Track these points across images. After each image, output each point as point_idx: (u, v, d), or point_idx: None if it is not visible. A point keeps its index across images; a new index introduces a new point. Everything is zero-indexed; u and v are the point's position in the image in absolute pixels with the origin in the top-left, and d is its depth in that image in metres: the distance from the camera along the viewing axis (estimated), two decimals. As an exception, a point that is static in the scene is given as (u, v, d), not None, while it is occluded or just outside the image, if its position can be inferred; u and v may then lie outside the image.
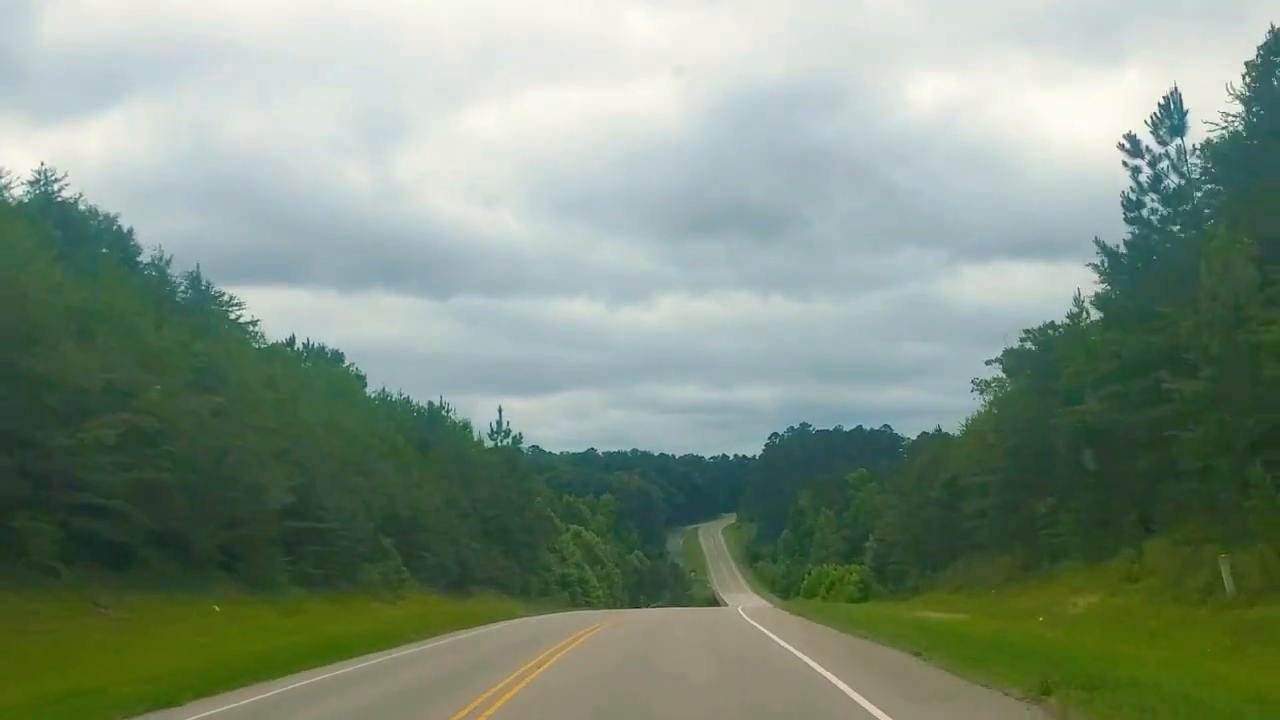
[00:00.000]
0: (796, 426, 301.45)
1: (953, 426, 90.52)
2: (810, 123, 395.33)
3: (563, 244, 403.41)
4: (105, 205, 54.89)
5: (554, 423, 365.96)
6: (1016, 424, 46.50)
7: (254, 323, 62.01)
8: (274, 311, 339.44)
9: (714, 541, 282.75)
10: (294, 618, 37.78)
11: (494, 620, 47.39)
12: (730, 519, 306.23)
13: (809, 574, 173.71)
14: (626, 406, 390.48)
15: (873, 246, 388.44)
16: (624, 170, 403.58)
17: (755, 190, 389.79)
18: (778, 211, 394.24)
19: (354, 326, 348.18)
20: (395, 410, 78.69)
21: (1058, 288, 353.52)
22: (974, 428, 63.04)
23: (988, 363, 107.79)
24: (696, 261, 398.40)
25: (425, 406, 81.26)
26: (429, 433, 77.33)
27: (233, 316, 58.44)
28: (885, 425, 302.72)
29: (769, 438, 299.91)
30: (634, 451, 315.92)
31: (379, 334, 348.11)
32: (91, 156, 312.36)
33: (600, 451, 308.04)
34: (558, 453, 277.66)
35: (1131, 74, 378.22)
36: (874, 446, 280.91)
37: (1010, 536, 47.53)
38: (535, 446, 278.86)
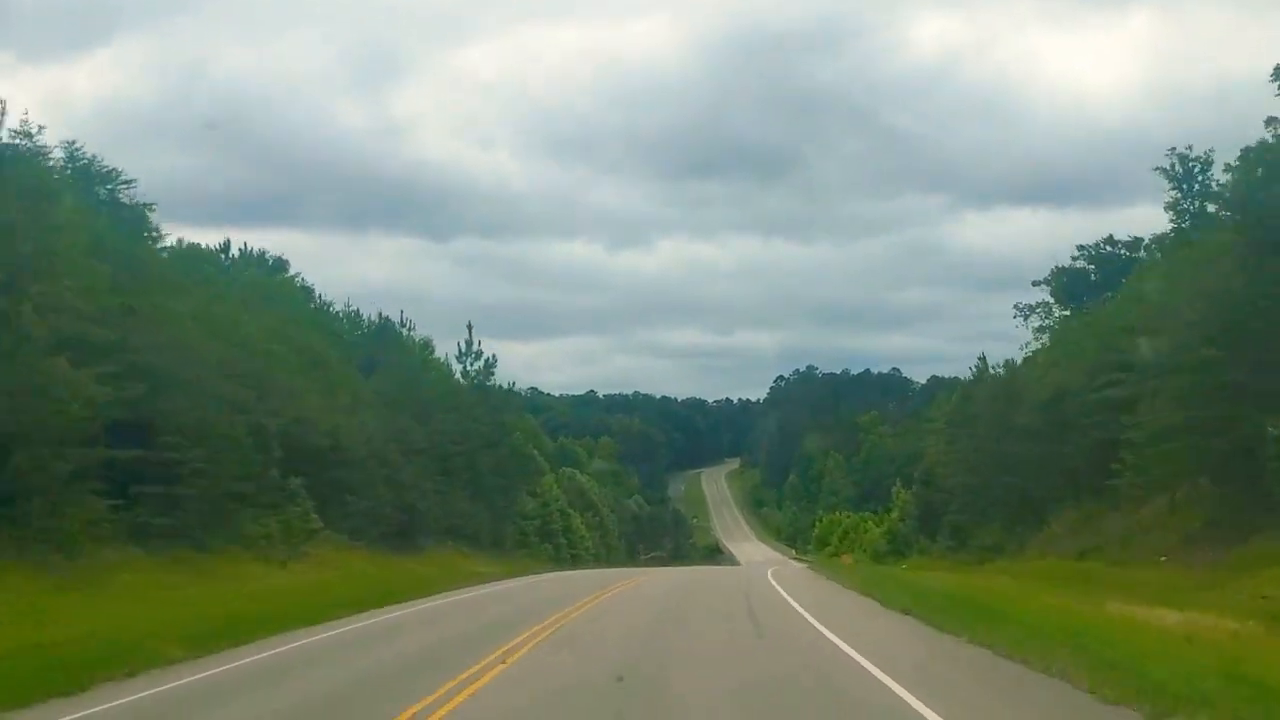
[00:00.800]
0: (802, 369, 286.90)
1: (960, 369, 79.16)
2: (811, 64, 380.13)
3: (560, 185, 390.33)
4: (94, 144, 41.43)
5: (557, 367, 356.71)
6: (1219, 293, 29.35)
7: (149, 206, 47.47)
8: (271, 252, 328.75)
9: (717, 487, 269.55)
10: (69, 594, 23.47)
11: (427, 593, 33.00)
12: (734, 464, 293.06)
13: (819, 521, 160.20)
14: (628, 351, 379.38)
15: (875, 191, 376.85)
16: (622, 110, 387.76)
17: (756, 132, 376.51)
18: (779, 154, 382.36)
19: (350, 266, 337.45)
20: (338, 324, 64.34)
21: (1061, 233, 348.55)
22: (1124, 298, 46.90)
23: (1035, 283, 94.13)
24: (697, 203, 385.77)
25: (375, 320, 66.74)
26: (377, 351, 63.07)
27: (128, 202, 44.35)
28: (894, 368, 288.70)
29: (774, 381, 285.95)
30: (635, 394, 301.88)
31: (376, 275, 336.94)
32: (81, 95, 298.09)
33: (601, 394, 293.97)
34: (557, 395, 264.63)
35: (1138, 17, 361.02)
36: (882, 390, 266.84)
37: (1192, 472, 31.71)
38: (534, 388, 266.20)
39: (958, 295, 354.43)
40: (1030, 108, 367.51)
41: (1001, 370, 63.38)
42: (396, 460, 50.18)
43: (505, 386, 75.88)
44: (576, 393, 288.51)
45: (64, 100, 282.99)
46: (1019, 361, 78.68)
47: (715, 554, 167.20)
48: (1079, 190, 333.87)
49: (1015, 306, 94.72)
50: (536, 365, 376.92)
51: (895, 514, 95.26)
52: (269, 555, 35.79)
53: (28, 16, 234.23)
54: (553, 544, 76.62)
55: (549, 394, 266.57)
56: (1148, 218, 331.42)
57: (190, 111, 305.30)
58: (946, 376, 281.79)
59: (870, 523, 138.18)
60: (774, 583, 39.29)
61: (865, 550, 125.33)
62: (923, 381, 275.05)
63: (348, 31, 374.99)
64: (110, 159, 42.36)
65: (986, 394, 58.94)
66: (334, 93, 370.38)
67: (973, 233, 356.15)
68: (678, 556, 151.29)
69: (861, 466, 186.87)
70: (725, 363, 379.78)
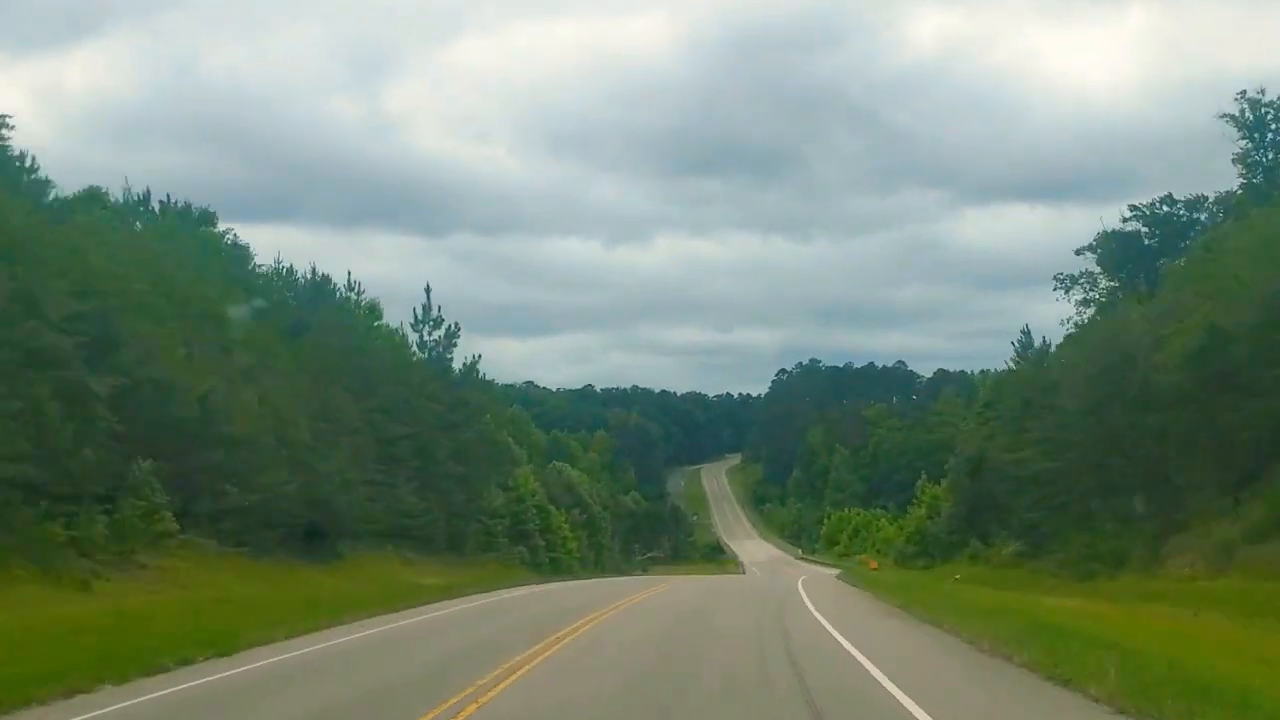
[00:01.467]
0: (805, 363, 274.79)
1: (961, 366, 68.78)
2: (809, 61, 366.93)
3: (557, 182, 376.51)
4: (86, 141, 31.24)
5: (554, 365, 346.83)
6: None
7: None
8: (266, 249, 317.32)
9: (718, 483, 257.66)
10: None
11: (300, 628, 20.99)
12: (735, 460, 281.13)
13: (828, 519, 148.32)
14: (626, 349, 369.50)
15: (873, 188, 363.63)
16: (619, 107, 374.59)
17: (754, 129, 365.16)
18: (777, 151, 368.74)
19: (348, 265, 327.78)
20: (262, 281, 52.46)
21: (1061, 229, 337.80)
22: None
23: (1078, 252, 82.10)
24: (695, 201, 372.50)
25: (309, 278, 54.64)
26: (309, 313, 51.32)
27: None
28: (899, 361, 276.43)
29: (776, 374, 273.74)
30: (634, 388, 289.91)
31: (373, 273, 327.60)
32: (73, 91, 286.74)
33: (598, 388, 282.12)
34: (554, 389, 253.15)
35: (1135, 12, 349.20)
36: (887, 384, 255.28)
37: None
38: (529, 382, 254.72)
39: (957, 292, 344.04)
40: (1029, 104, 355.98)
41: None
42: (304, 441, 38.31)
43: (471, 362, 64.29)
44: (573, 387, 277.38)
45: (53, 95, 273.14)
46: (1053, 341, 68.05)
47: (716, 553, 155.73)
48: (1077, 186, 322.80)
49: (1055, 278, 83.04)
50: (533, 363, 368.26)
51: (922, 511, 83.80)
52: (65, 570, 23.90)
53: (17, 10, 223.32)
54: (528, 546, 64.83)
55: (545, 388, 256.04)
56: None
57: (183, 108, 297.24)
58: (953, 370, 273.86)
59: (883, 520, 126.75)
60: (811, 607, 27.41)
61: (879, 551, 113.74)
62: (929, 375, 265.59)
63: (342, 27, 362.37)
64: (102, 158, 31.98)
65: (1070, 357, 46.81)
66: (328, 89, 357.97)
67: (972, 229, 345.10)
68: (677, 557, 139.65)
69: (870, 461, 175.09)
70: (725, 360, 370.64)
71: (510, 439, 72.08)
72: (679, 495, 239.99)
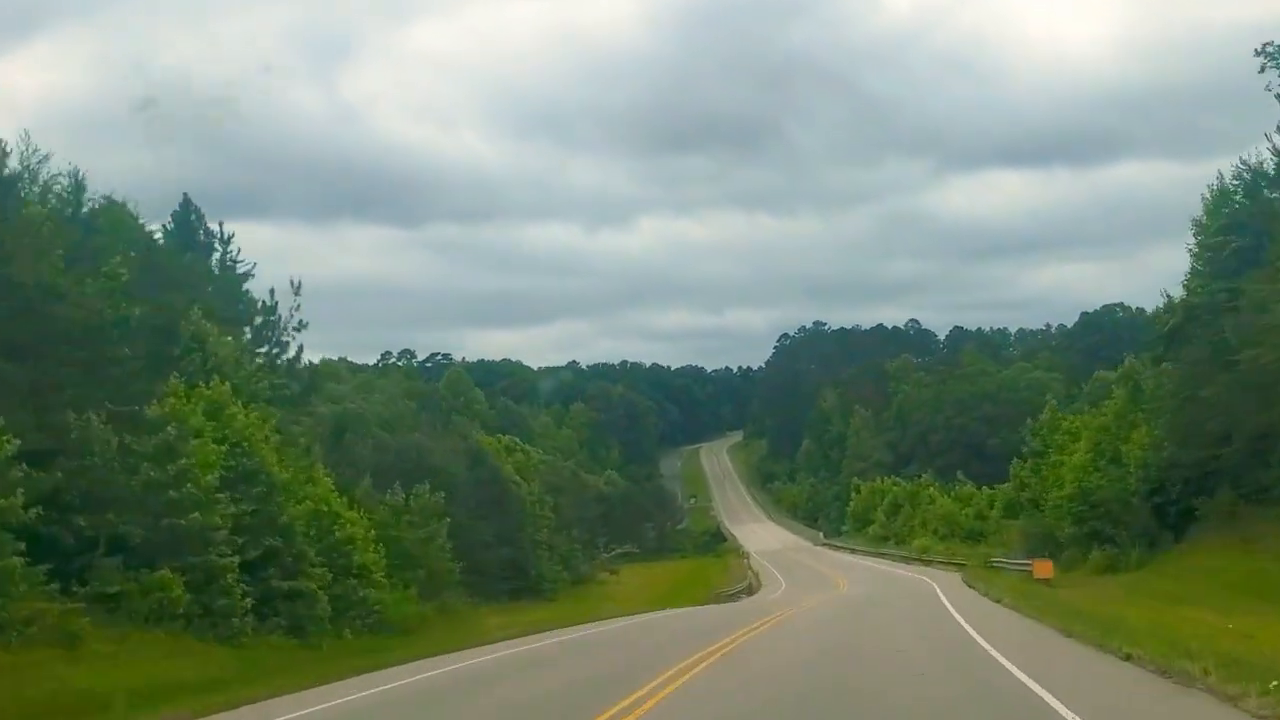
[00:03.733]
0: (809, 326, 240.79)
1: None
2: (780, 28, 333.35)
3: (532, 166, 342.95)
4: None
5: (543, 354, 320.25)
6: None
7: None
8: (245, 247, 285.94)
9: (718, 461, 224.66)
10: None
11: None
12: (737, 437, 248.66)
13: (855, 493, 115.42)
14: (616, 335, 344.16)
15: (856, 158, 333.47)
16: (588, 86, 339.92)
17: (731, 102, 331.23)
18: (755, 124, 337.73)
19: (324, 262, 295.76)
20: None
21: (1047, 195, 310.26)
22: None
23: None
24: (676, 179, 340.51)
25: None
26: None
27: None
28: (912, 320, 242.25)
29: (778, 339, 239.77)
30: (623, 363, 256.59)
31: (350, 267, 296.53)
32: (25, 90, 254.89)
33: (584, 365, 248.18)
34: (536, 368, 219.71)
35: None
36: (901, 345, 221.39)
37: None
38: (506, 358, 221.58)
39: (945, 265, 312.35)
40: (1009, 65, 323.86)
41: None
42: None
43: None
44: (557, 365, 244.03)
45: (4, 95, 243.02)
46: None
47: (716, 541, 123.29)
48: (1062, 149, 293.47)
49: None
50: (521, 351, 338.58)
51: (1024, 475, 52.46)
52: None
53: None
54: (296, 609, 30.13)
55: (527, 365, 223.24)
56: (1135, 174, 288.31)
57: (138, 103, 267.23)
58: (971, 328, 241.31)
59: (932, 491, 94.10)
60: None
61: (934, 532, 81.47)
62: (944, 334, 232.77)
63: (295, 13, 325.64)
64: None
65: None
66: (287, 78, 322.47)
67: (959, 197, 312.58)
68: (663, 548, 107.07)
69: (895, 424, 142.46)
70: (718, 343, 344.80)
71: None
72: (674, 477, 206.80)
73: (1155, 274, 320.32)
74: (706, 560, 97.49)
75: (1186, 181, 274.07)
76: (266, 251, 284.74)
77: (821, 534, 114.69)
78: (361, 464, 43.40)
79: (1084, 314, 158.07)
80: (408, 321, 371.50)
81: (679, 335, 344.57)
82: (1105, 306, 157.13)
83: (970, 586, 32.78)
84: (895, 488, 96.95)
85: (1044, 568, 28.52)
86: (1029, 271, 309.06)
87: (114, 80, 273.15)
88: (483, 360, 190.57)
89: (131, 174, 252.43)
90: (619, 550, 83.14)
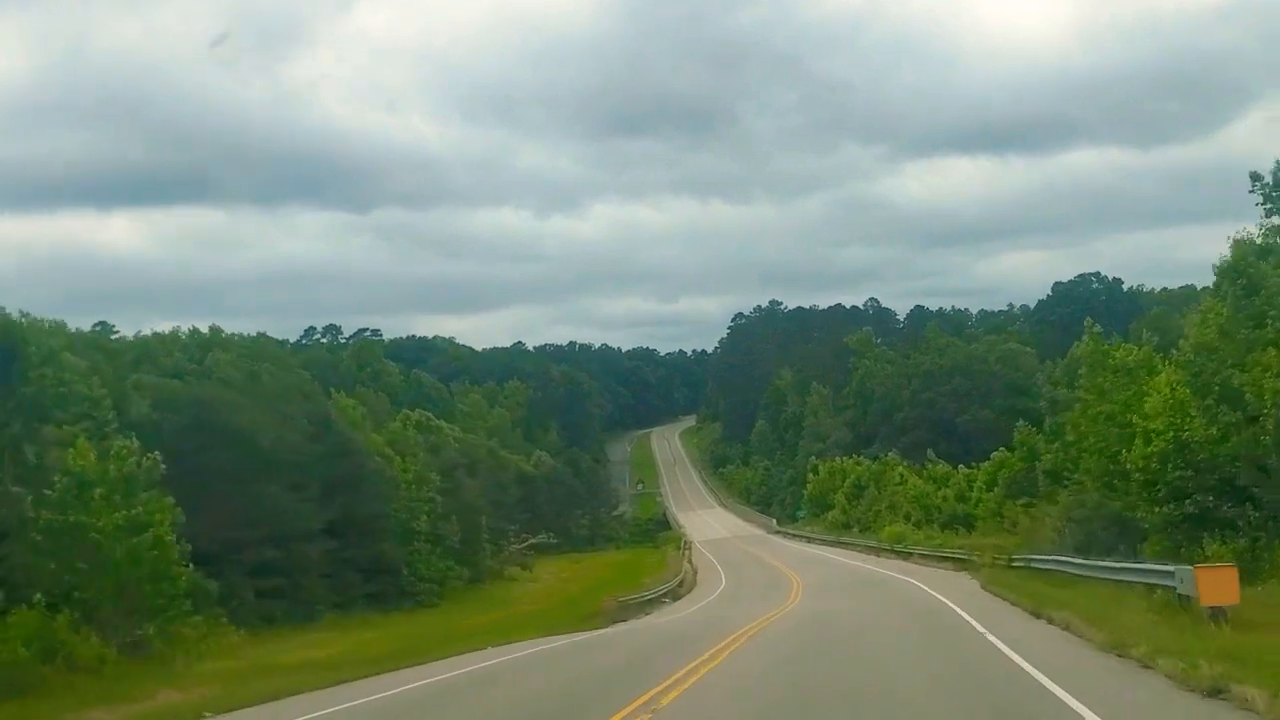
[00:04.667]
0: (765, 305, 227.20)
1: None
2: (728, 10, 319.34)
3: (480, 150, 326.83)
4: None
5: (493, 340, 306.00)
6: None
7: None
8: (182, 232, 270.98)
9: (670, 446, 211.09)
10: None
11: None
12: (690, 421, 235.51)
13: (813, 472, 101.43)
14: (568, 322, 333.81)
15: (810, 144, 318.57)
16: (534, 68, 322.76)
17: (680, 84, 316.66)
18: (708, 107, 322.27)
19: (271, 247, 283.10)
20: None
21: (1003, 182, 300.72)
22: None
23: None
24: (628, 164, 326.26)
25: None
26: None
27: None
28: (871, 299, 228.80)
29: (733, 318, 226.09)
30: (571, 344, 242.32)
31: (299, 253, 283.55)
32: None
33: (531, 346, 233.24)
34: (479, 348, 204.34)
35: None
36: (859, 324, 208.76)
37: None
38: (440, 335, 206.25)
39: (901, 251, 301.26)
40: (962, 50, 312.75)
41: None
42: None
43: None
44: (502, 345, 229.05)
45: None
46: None
47: (660, 529, 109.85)
48: (1016, 136, 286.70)
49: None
50: (470, 339, 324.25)
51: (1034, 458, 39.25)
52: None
53: None
54: None
55: (466, 346, 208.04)
56: (1089, 161, 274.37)
57: (77, 88, 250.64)
58: (933, 308, 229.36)
59: (901, 470, 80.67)
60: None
61: (905, 517, 68.28)
62: (904, 313, 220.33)
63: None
64: None
65: None
66: (227, 59, 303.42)
67: (914, 184, 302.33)
68: (596, 538, 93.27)
69: (856, 401, 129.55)
70: (673, 330, 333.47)
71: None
72: (622, 462, 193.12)
73: (1110, 261, 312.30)
74: (643, 551, 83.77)
75: (1139, 168, 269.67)
76: (217, 236, 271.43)
77: (774, 521, 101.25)
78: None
79: (1056, 284, 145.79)
80: (356, 307, 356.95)
81: (633, 322, 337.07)
82: (1080, 276, 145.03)
83: (1034, 613, 18.56)
84: (858, 468, 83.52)
85: (1221, 583, 13.89)
86: (986, 259, 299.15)
87: (52, 63, 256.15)
88: (413, 336, 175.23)
89: (71, 158, 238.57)
90: (532, 540, 69.13)
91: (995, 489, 48.50)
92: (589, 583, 61.54)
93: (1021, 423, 49.33)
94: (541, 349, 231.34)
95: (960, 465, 73.70)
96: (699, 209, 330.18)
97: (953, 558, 36.67)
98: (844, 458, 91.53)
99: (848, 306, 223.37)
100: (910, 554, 46.10)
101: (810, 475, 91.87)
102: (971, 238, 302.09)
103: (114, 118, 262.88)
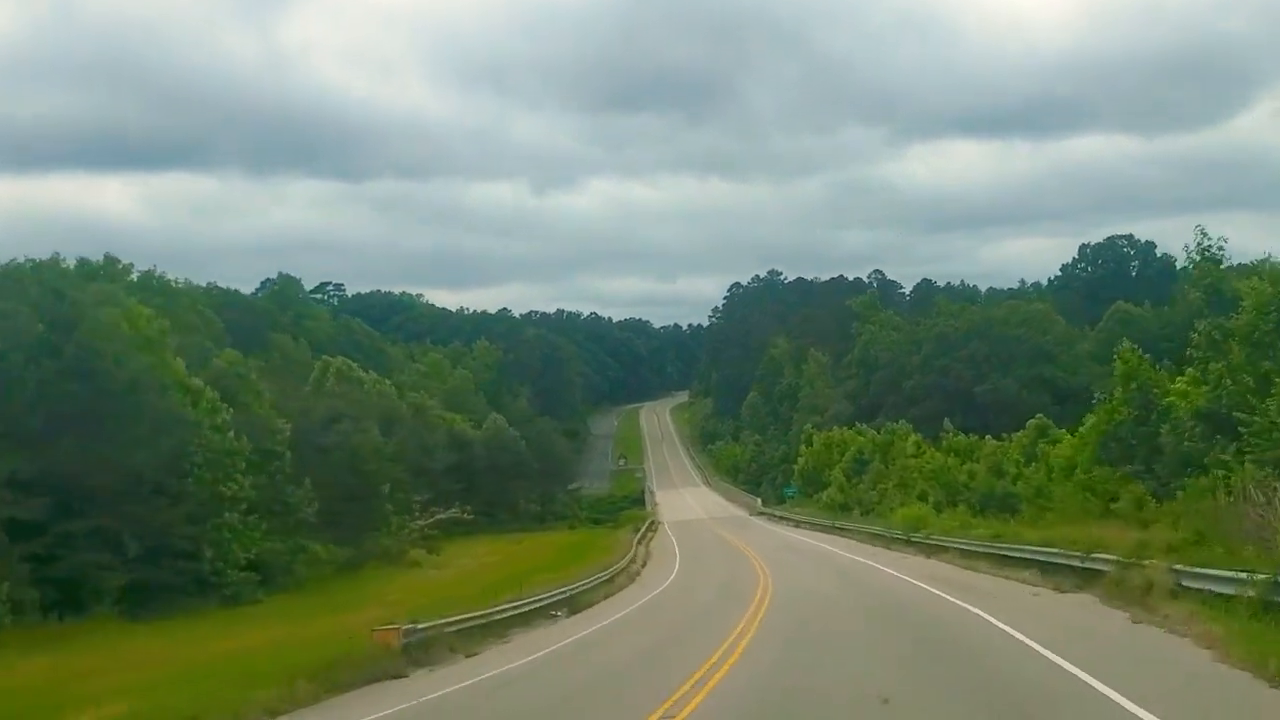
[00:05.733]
0: (764, 275, 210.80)
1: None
2: None
3: (476, 121, 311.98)
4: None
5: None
6: None
7: None
8: (176, 198, 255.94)
9: (658, 421, 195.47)
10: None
11: None
12: (683, 397, 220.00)
13: (806, 443, 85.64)
14: (564, 300, 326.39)
15: (811, 124, 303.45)
16: (529, 38, 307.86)
17: (678, 58, 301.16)
18: (707, 83, 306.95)
19: (263, 215, 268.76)
20: None
21: (1008, 167, 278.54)
22: None
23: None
24: (626, 139, 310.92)
25: None
26: None
27: None
28: (876, 271, 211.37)
29: (729, 288, 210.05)
30: (559, 311, 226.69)
31: (292, 222, 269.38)
32: None
33: (517, 314, 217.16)
34: (455, 309, 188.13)
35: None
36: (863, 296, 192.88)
37: None
38: (407, 293, 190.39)
39: (902, 236, 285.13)
40: (966, 29, 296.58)
41: None
42: None
43: None
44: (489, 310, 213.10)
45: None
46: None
47: (634, 506, 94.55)
48: (1021, 120, 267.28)
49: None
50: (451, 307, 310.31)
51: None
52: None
53: None
54: None
55: (443, 308, 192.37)
56: (1096, 147, 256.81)
57: (67, 48, 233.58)
58: (940, 283, 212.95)
59: (913, 441, 65.13)
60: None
61: (919, 498, 52.45)
62: (910, 287, 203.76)
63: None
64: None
65: None
66: (218, 20, 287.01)
67: (916, 167, 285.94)
68: (547, 515, 77.95)
69: (858, 370, 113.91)
70: (670, 310, 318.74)
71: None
72: (606, 436, 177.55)
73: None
74: (600, 532, 68.25)
75: (1146, 156, 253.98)
76: (208, 203, 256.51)
77: (759, 501, 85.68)
78: None
79: (1083, 247, 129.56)
80: (348, 279, 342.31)
81: (629, 301, 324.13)
82: (1108, 239, 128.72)
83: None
84: (860, 438, 67.82)
85: None
86: (990, 245, 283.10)
87: (40, 22, 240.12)
88: (378, 292, 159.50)
89: (59, 120, 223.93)
90: (441, 516, 53.66)
91: (1079, 464, 32.60)
92: (510, 570, 45.96)
93: (1125, 345, 33.09)
94: (527, 316, 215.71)
95: (987, 437, 58.44)
96: (697, 187, 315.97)
97: (1033, 560, 20.66)
98: (859, 428, 75.52)
99: (850, 279, 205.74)
100: (939, 548, 30.51)
101: (803, 448, 76.16)
102: (975, 223, 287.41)
103: (103, 79, 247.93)
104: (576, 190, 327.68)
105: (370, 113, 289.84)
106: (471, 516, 56.84)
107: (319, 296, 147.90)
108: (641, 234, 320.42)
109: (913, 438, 63.03)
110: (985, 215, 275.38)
